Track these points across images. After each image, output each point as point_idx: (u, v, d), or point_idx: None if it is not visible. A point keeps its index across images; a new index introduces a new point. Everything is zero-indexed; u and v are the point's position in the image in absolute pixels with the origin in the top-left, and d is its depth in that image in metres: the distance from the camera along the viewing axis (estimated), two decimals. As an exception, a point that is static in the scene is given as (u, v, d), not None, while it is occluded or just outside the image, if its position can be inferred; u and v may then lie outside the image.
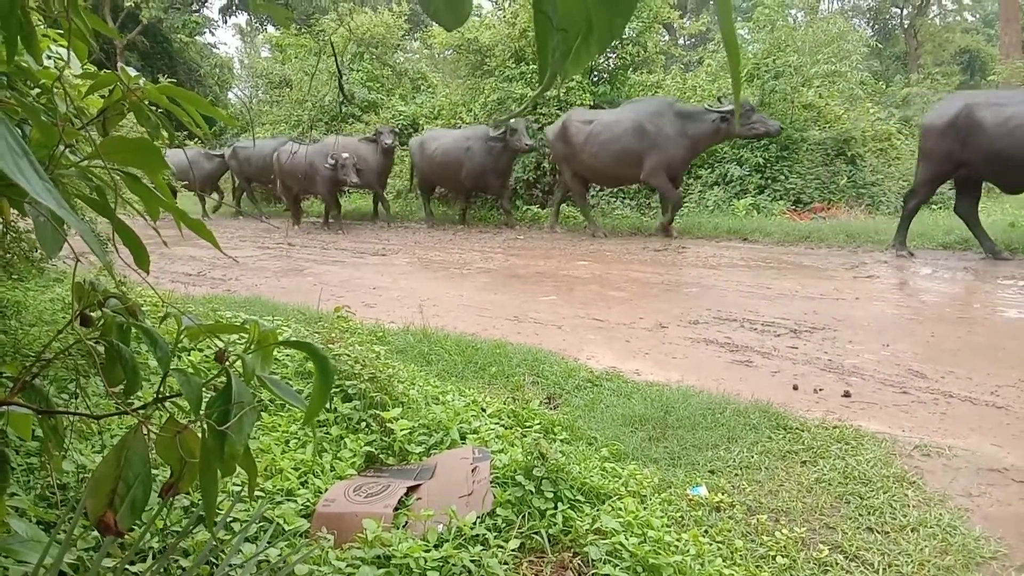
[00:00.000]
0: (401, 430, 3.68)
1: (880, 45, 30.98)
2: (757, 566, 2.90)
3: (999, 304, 7.20)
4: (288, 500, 3.05)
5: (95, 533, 2.20)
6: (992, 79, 22.55)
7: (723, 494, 3.50)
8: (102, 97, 1.88)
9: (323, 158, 15.17)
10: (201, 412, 1.24)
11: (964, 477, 3.74)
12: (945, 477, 3.74)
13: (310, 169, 15.37)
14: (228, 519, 2.65)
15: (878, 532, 3.21)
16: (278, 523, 2.81)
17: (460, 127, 16.80)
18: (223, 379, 1.28)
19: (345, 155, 14.75)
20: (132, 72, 1.69)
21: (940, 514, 3.32)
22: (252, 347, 1.30)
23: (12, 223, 4.12)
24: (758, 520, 3.27)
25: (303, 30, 22.41)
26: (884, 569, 2.94)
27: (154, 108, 1.71)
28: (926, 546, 3.07)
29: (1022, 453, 3.97)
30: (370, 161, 15.55)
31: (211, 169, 19.34)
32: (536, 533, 2.90)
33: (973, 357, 5.56)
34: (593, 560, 2.70)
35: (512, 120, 14.01)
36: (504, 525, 2.94)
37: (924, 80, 22.11)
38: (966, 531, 3.19)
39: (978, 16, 39.99)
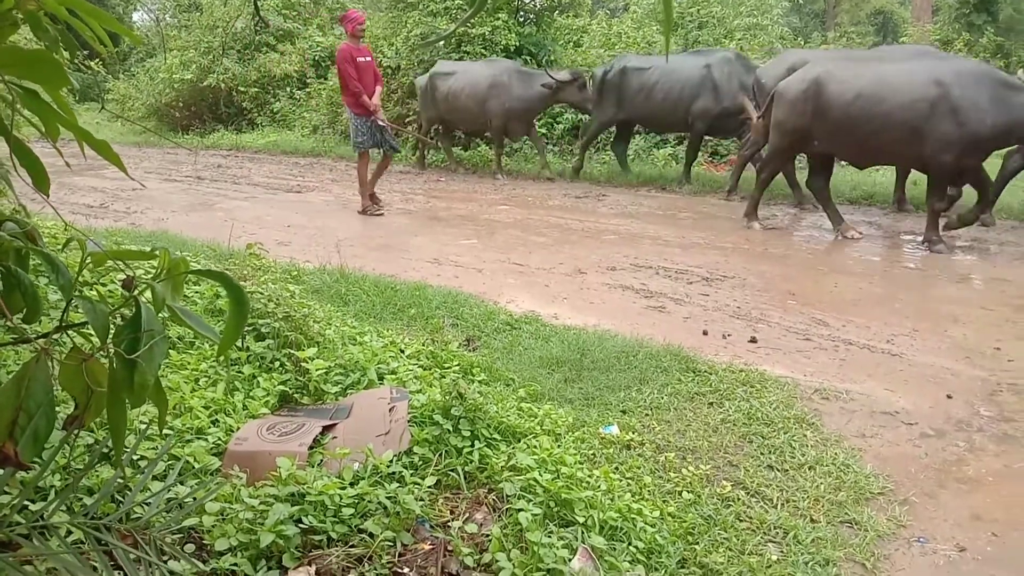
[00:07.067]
0: (316, 370, 3.62)
1: (800, 1, 31.51)
2: (664, 501, 3.02)
3: (898, 258, 7.58)
4: (198, 439, 2.97)
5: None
6: (904, 41, 23.28)
7: (634, 433, 3.61)
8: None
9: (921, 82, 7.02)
10: (108, 341, 1.18)
11: (859, 419, 3.98)
12: (841, 419, 3.96)
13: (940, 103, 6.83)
14: (135, 456, 2.57)
15: (778, 470, 3.39)
16: (187, 461, 2.74)
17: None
18: (131, 309, 1.23)
19: None
20: (26, -23, 1.55)
21: (835, 453, 3.53)
22: (162, 275, 1.24)
23: None
24: (666, 458, 3.39)
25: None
26: (782, 504, 3.11)
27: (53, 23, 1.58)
28: (822, 483, 3.27)
29: (912, 398, 4.23)
30: None
31: (531, 98, 11.69)
32: (452, 470, 2.93)
33: (872, 307, 5.85)
34: (508, 496, 2.76)
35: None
36: (421, 463, 2.96)
37: (840, 38, 22.64)
38: (858, 469, 3.40)
39: (893, -22, 40.97)
